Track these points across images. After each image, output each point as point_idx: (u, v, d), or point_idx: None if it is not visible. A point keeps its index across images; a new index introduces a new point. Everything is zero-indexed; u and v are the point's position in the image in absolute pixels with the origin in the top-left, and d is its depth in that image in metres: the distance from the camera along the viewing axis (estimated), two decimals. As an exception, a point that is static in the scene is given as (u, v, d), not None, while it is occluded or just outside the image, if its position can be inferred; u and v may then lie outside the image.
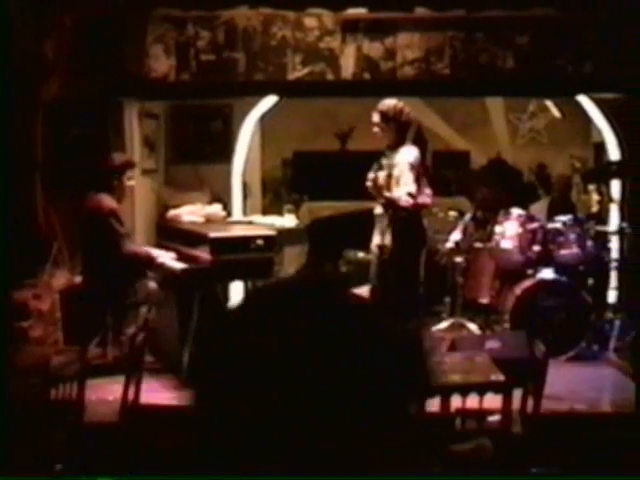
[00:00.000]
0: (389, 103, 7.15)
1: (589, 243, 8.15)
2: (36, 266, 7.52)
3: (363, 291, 7.74)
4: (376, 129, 7.14)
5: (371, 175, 7.11)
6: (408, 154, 7.02)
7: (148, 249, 7.50)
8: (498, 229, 8.40)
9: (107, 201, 7.18)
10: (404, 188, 6.92)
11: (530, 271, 8.13)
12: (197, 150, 9.55)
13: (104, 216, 7.09)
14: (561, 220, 8.19)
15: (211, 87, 8.30)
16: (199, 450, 1.34)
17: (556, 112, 11.36)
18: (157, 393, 6.68)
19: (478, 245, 8.87)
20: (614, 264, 8.63)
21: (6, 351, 5.43)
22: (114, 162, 7.40)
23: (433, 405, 4.72)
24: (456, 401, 4.69)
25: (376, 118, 7.14)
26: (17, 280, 7.17)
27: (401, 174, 6.97)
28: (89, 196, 7.24)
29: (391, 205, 7.00)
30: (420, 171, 7.03)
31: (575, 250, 8.10)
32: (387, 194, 7.00)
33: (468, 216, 8.99)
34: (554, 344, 6.98)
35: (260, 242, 7.22)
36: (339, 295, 1.36)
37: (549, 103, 11.37)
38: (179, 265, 7.19)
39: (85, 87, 7.89)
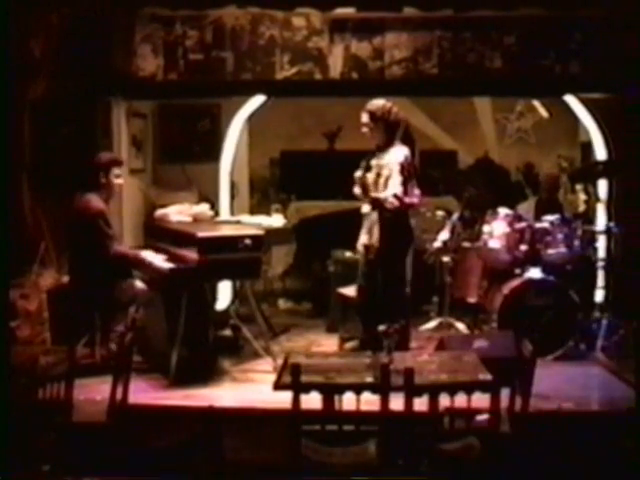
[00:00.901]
0: (377, 103, 7.14)
1: (576, 243, 8.17)
2: (23, 266, 7.50)
3: (351, 291, 7.75)
4: (365, 129, 7.14)
5: (358, 174, 7.10)
6: (399, 153, 7.01)
7: (136, 251, 7.48)
8: (486, 228, 8.41)
9: (95, 202, 7.15)
10: (391, 189, 6.92)
11: (518, 270, 8.15)
12: (185, 150, 9.54)
13: (92, 217, 7.07)
14: (548, 220, 8.20)
15: (199, 86, 8.29)
16: None
17: (543, 112, 11.39)
18: (145, 393, 6.68)
19: (466, 245, 8.88)
20: (601, 263, 8.66)
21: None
22: (100, 160, 7.38)
23: (421, 404, 4.74)
24: (444, 400, 4.70)
25: (365, 118, 7.13)
26: (4, 280, 7.14)
27: (390, 174, 6.96)
28: (77, 196, 7.21)
29: (377, 205, 7.00)
30: (410, 171, 7.03)
31: (562, 249, 8.12)
32: (373, 194, 7.00)
33: (456, 216, 9.00)
34: (542, 343, 6.99)
35: (248, 242, 7.21)
36: None
37: (536, 103, 11.40)
38: (167, 265, 7.18)
39: (72, 86, 7.88)
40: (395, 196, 6.90)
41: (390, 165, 6.98)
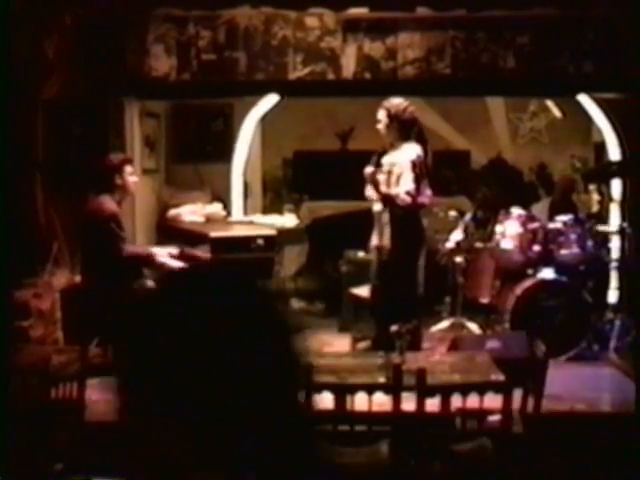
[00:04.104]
0: (394, 101, 7.15)
1: (589, 243, 8.15)
2: (36, 265, 7.52)
3: (363, 291, 7.75)
4: (380, 126, 7.14)
5: (368, 170, 7.06)
6: (411, 152, 7.00)
7: (147, 248, 7.49)
8: (499, 229, 8.40)
9: (108, 204, 7.16)
10: (403, 187, 6.91)
11: (530, 271, 8.13)
12: (198, 150, 9.56)
13: (105, 219, 7.08)
14: (562, 220, 8.19)
15: (212, 87, 8.30)
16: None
17: (557, 112, 11.36)
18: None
19: (479, 245, 8.87)
20: (614, 264, 8.63)
21: (6, 351, 5.44)
22: (112, 161, 7.39)
23: (433, 405, 4.73)
24: (456, 401, 4.70)
25: (381, 115, 7.14)
26: (17, 280, 7.17)
27: (402, 172, 6.96)
28: (90, 198, 7.23)
29: (388, 202, 6.99)
30: (422, 170, 7.02)
31: (575, 250, 8.10)
32: (385, 190, 6.98)
33: (468, 216, 8.98)
34: (554, 344, 6.99)
35: (260, 242, 7.24)
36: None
37: (550, 103, 11.37)
38: (179, 264, 7.19)
39: (86, 87, 7.90)
40: (408, 193, 6.89)
41: (402, 163, 6.98)
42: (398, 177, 6.97)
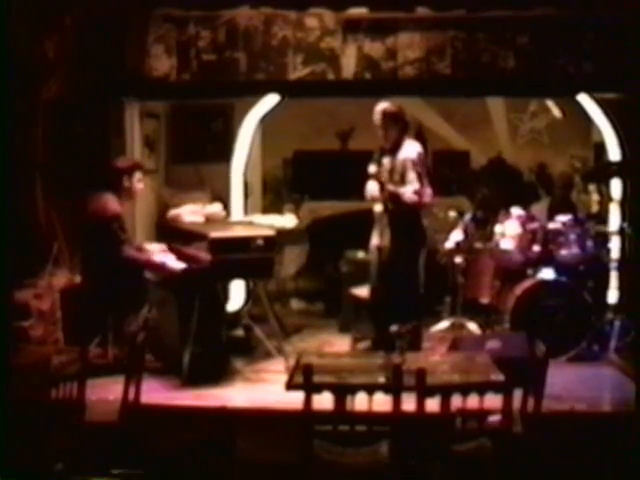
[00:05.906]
0: (392, 105, 7.16)
1: (589, 243, 8.15)
2: (37, 266, 7.52)
3: (363, 291, 7.75)
4: (377, 126, 7.14)
5: (372, 169, 7.05)
6: (411, 150, 7.02)
7: (148, 255, 7.43)
8: (498, 229, 8.41)
9: (112, 204, 7.16)
10: (409, 186, 6.92)
11: (530, 271, 8.13)
12: (198, 150, 9.55)
13: (107, 220, 7.07)
14: (561, 220, 8.19)
15: (212, 87, 8.30)
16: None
17: (557, 112, 11.35)
18: (157, 393, 6.69)
19: (478, 245, 8.87)
20: (614, 264, 8.62)
21: (6, 351, 5.43)
22: (123, 164, 7.41)
23: (433, 405, 4.73)
24: (456, 401, 4.70)
25: (377, 117, 7.14)
26: (18, 280, 7.16)
27: (404, 171, 6.97)
28: (93, 197, 7.21)
29: (394, 200, 6.98)
30: (423, 168, 7.03)
31: (575, 250, 8.10)
32: (391, 187, 6.99)
33: (468, 216, 8.98)
34: (554, 344, 6.98)
35: (260, 242, 7.22)
36: None
37: (550, 103, 11.36)
38: (179, 265, 7.19)
39: (86, 87, 7.90)
40: (415, 192, 6.90)
41: (404, 162, 7.00)
42: (401, 176, 6.99)
